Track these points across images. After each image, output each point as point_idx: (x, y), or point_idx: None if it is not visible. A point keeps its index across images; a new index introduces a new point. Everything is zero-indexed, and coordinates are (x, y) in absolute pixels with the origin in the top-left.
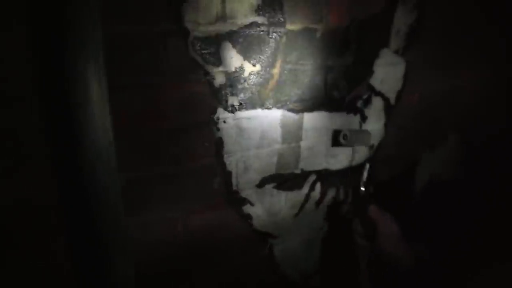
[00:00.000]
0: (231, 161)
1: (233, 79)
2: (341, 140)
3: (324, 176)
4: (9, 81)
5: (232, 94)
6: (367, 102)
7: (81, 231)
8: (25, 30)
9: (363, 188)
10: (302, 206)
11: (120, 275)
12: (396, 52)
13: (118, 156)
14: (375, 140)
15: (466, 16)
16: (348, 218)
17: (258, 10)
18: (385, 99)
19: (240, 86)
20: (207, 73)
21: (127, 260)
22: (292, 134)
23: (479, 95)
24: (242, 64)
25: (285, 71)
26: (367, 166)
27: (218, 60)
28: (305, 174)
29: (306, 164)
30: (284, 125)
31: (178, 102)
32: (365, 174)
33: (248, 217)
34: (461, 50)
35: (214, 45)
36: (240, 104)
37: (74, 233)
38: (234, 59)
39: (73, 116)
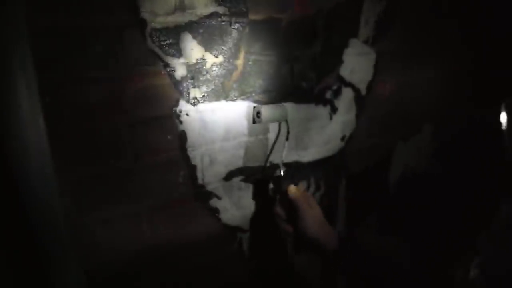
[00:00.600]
0: (196, 155)
1: (195, 71)
2: (256, 118)
3: (295, 168)
4: None
5: (194, 86)
6: (337, 93)
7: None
8: None
9: (282, 171)
10: (270, 199)
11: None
12: (366, 42)
13: (71, 153)
14: (346, 131)
15: (436, 7)
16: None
17: (219, 0)
18: (356, 90)
19: (202, 78)
20: (167, 65)
21: (73, 264)
22: (258, 127)
23: (451, 86)
24: (203, 56)
25: (249, 62)
26: (286, 143)
27: (179, 52)
28: (274, 167)
29: (276, 156)
30: (250, 117)
31: (138, 95)
32: (284, 153)
33: (216, 211)
34: (432, 41)
35: (174, 36)
36: (203, 96)
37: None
38: (195, 51)
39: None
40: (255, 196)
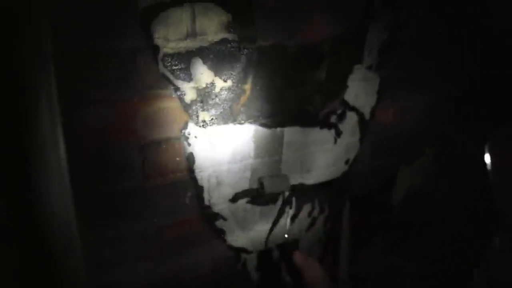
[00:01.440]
0: (203, 176)
1: (204, 95)
2: (260, 190)
3: (299, 191)
4: None
5: (204, 110)
6: (342, 117)
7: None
8: None
9: (286, 235)
10: (275, 221)
11: None
12: (370, 68)
13: (84, 172)
14: (350, 155)
15: (436, 35)
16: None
17: (229, 27)
18: (360, 114)
19: (211, 102)
20: (177, 89)
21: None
22: (265, 149)
23: (451, 110)
24: (213, 80)
25: (257, 87)
26: (290, 211)
27: (189, 76)
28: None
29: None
30: (257, 140)
31: (149, 117)
32: (289, 221)
33: (222, 232)
34: (433, 68)
35: (185, 61)
36: (212, 119)
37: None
38: (204, 75)
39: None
40: (260, 264)
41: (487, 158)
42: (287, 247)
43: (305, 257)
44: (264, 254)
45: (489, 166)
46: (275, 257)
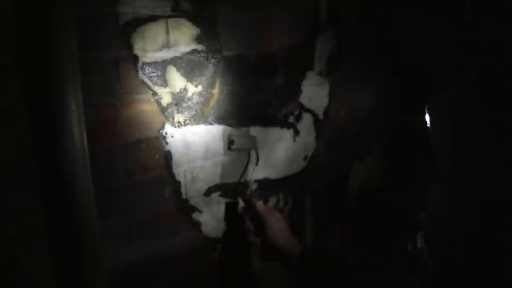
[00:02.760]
0: (180, 172)
1: (178, 99)
2: (231, 146)
3: (265, 185)
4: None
5: (178, 112)
6: (298, 118)
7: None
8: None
9: (250, 191)
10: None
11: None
12: (320, 74)
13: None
14: (308, 152)
15: (372, 44)
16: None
17: (198, 40)
18: (314, 115)
19: (185, 105)
20: (155, 94)
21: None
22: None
23: (392, 108)
24: (185, 86)
25: (223, 91)
26: (254, 168)
27: (165, 82)
28: (247, 183)
29: (248, 174)
30: (225, 139)
31: (130, 119)
32: (252, 174)
33: (198, 224)
34: (375, 72)
35: (161, 69)
36: (185, 120)
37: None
38: (178, 81)
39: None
40: (227, 215)
41: (427, 117)
42: (251, 199)
43: (266, 206)
44: (230, 205)
45: (428, 124)
46: (240, 208)
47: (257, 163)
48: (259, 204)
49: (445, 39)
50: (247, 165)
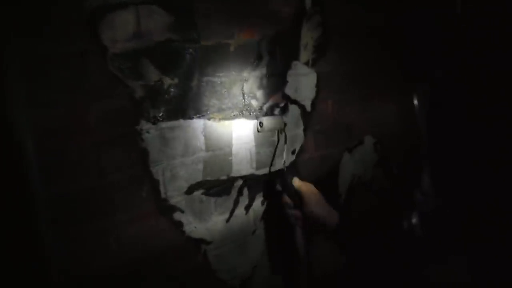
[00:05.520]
0: (157, 170)
1: (153, 92)
2: (259, 127)
3: (251, 181)
4: None
5: (154, 106)
6: (285, 109)
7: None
8: None
9: (285, 169)
10: (232, 211)
11: None
12: (307, 63)
13: (43, 173)
14: (296, 145)
15: (360, 35)
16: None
17: (173, 28)
18: (301, 107)
19: (160, 98)
20: (127, 87)
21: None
22: (214, 142)
23: (386, 102)
24: (161, 78)
25: (203, 83)
26: (285, 146)
27: (138, 75)
28: (231, 180)
29: (232, 170)
30: (206, 133)
31: (101, 116)
32: (285, 153)
33: (180, 224)
34: (366, 62)
35: (133, 60)
36: (162, 115)
37: None
38: (152, 73)
39: None
40: (267, 194)
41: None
42: (286, 177)
43: (301, 181)
44: (269, 184)
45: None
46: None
47: (285, 141)
48: (295, 179)
49: (434, 29)
50: (277, 145)
